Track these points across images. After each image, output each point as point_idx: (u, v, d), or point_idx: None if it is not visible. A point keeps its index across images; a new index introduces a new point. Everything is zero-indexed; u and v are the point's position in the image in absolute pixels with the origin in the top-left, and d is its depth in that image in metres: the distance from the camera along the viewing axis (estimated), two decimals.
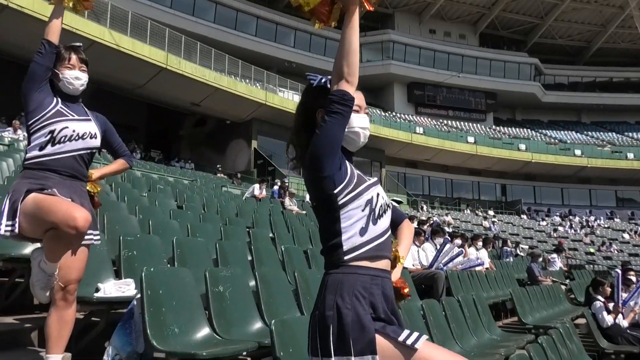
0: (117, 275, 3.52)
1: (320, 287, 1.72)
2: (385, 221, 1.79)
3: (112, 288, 3.19)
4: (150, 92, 21.94)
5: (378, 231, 1.74)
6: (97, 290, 3.17)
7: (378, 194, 1.78)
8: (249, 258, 4.86)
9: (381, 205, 1.77)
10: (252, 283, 3.70)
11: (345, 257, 1.69)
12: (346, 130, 1.75)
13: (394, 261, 1.96)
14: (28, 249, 3.28)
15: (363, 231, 1.71)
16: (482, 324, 5.03)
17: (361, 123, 1.84)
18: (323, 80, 1.85)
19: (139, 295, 2.79)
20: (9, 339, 2.91)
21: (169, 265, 3.88)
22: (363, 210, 1.72)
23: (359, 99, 1.84)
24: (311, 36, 34.75)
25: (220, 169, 23.45)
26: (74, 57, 2.62)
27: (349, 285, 1.65)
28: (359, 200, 1.71)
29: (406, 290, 2.01)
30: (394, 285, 1.89)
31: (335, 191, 1.70)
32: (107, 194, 6.65)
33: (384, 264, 1.76)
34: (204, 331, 2.93)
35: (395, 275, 1.97)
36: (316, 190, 1.75)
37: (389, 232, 1.81)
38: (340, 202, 1.70)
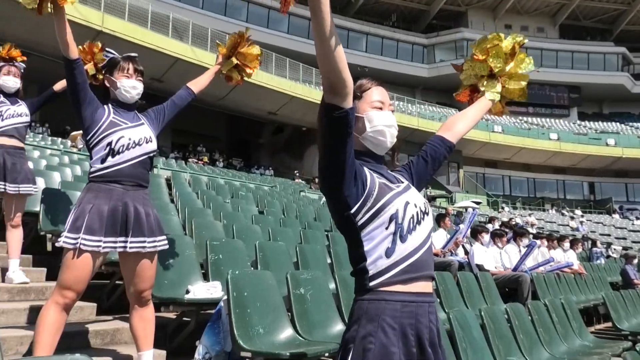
0: (205, 278, 3.67)
1: (349, 316, 1.51)
2: (420, 234, 1.49)
3: (201, 290, 3.33)
4: (231, 102, 22.76)
5: (409, 249, 1.46)
6: (187, 292, 3.33)
7: (407, 203, 1.49)
8: (329, 261, 4.90)
9: (412, 217, 1.48)
10: (332, 285, 3.73)
11: (371, 283, 1.44)
12: (368, 129, 1.54)
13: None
14: None
15: (389, 252, 1.44)
16: (573, 330, 4.75)
17: (385, 120, 1.55)
18: None
19: (225, 297, 2.88)
20: (110, 336, 3.12)
21: (252, 268, 3.99)
22: (387, 229, 1.45)
23: (379, 93, 1.59)
24: (382, 40, 34.59)
25: (298, 174, 23.85)
26: (131, 67, 2.62)
27: (374, 314, 1.41)
28: (380, 218, 1.45)
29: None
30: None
31: (352, 211, 1.46)
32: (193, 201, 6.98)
33: (421, 286, 1.47)
34: (287, 332, 2.98)
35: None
36: (331, 211, 1.53)
37: (427, 245, 1.51)
38: (359, 223, 1.46)
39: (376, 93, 1.59)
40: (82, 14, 15.60)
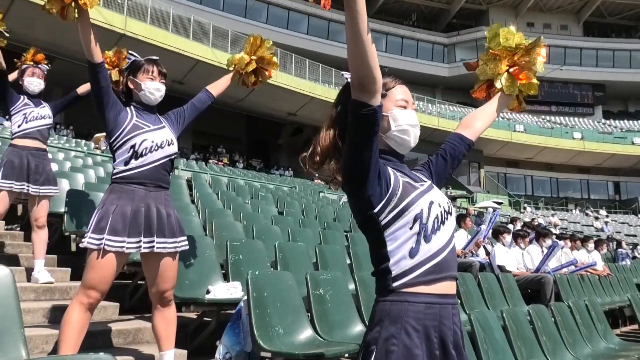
0: (225, 278, 3.69)
1: (370, 317, 1.48)
2: (444, 234, 1.47)
3: (221, 290, 3.35)
4: (250, 104, 22.90)
5: (434, 249, 1.43)
6: (208, 292, 3.35)
7: (431, 203, 1.47)
8: (348, 262, 4.89)
9: (436, 217, 1.46)
10: (352, 286, 3.72)
11: (394, 284, 1.41)
12: (393, 128, 1.53)
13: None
14: None
15: (413, 252, 1.42)
16: (597, 332, 4.65)
17: (410, 119, 1.55)
18: None
19: (245, 297, 2.90)
20: (132, 336, 3.16)
21: (272, 269, 4.01)
22: (411, 229, 1.42)
23: (403, 92, 1.58)
24: (403, 40, 34.43)
25: (317, 175, 23.88)
26: (155, 69, 2.67)
27: (397, 316, 1.38)
28: (405, 218, 1.43)
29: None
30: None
31: (375, 211, 1.43)
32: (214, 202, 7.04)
33: (445, 287, 1.44)
34: (307, 332, 2.99)
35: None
36: (354, 211, 1.51)
37: (451, 245, 1.48)
38: (382, 223, 1.43)
39: (400, 91, 1.58)
40: (105, 18, 15.88)
